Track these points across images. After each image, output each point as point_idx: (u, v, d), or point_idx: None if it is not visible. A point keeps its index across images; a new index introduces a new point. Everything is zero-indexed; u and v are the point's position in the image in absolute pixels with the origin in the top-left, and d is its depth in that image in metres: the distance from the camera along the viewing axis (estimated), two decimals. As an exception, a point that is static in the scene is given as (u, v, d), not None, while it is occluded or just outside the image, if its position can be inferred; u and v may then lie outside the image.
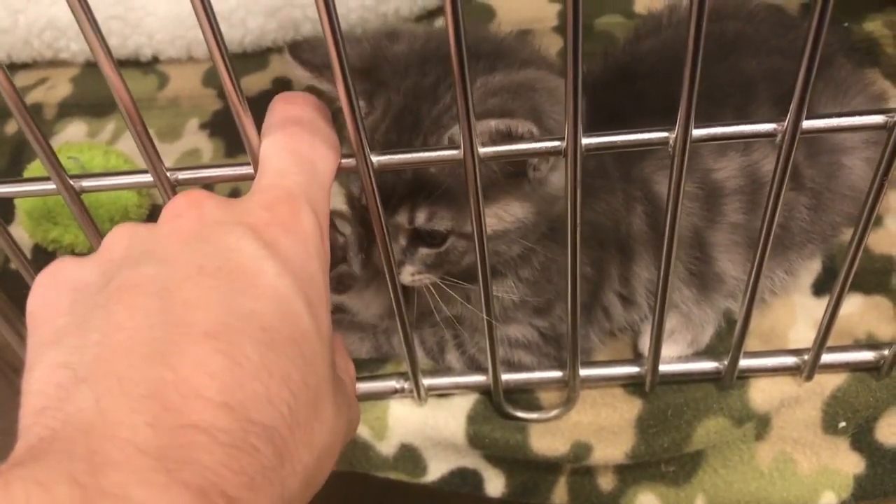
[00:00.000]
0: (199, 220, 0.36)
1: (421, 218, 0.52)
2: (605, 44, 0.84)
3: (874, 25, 0.89)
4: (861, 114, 0.46)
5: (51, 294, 0.35)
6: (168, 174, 0.48)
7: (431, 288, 0.57)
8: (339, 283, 0.65)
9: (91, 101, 0.92)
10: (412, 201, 0.52)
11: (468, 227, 0.49)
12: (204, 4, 0.39)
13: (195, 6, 0.39)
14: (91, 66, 0.96)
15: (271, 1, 0.95)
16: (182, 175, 0.48)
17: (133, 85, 0.96)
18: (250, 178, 0.47)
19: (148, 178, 0.48)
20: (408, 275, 0.55)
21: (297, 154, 0.40)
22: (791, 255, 0.64)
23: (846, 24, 0.89)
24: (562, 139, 0.45)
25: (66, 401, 0.29)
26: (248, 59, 0.95)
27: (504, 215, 0.53)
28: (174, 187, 0.48)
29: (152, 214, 0.79)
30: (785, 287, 0.66)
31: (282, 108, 0.42)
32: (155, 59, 0.97)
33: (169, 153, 0.84)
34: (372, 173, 0.46)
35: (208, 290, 0.32)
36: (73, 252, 0.76)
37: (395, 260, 0.51)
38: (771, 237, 0.51)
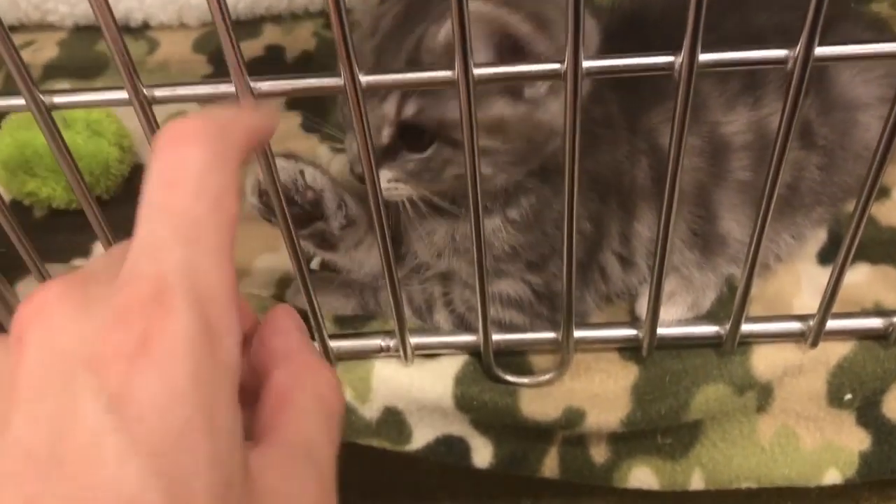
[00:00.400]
0: (41, 354, 0.28)
1: (410, 109, 0.49)
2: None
3: (881, 7, 0.88)
4: (876, 42, 0.44)
5: None
6: (145, 91, 0.45)
7: (410, 210, 0.54)
8: (323, 241, 0.62)
9: (77, 65, 0.90)
10: (403, 91, 0.49)
11: (456, 133, 0.46)
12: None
13: None
14: (79, 31, 0.94)
15: (266, -32, 0.93)
16: (158, 92, 0.46)
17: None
18: (231, 95, 0.45)
19: (123, 94, 0.46)
20: (385, 180, 0.52)
21: (176, 214, 0.29)
22: (798, 218, 0.61)
23: (853, 5, 0.88)
24: (561, 61, 0.43)
25: None
26: (241, 27, 0.94)
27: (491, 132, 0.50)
28: (150, 104, 0.46)
29: (133, 173, 0.77)
30: (791, 253, 0.64)
31: (166, 135, 0.30)
32: (145, 25, 0.95)
33: (157, 114, 0.82)
34: (361, 94, 0.44)
35: (32, 489, 0.25)
36: (50, 206, 0.73)
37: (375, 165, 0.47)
38: (777, 188, 0.49)
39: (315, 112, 0.71)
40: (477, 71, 0.43)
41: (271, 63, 0.89)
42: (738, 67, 0.44)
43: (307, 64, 0.90)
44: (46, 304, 0.28)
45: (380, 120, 0.50)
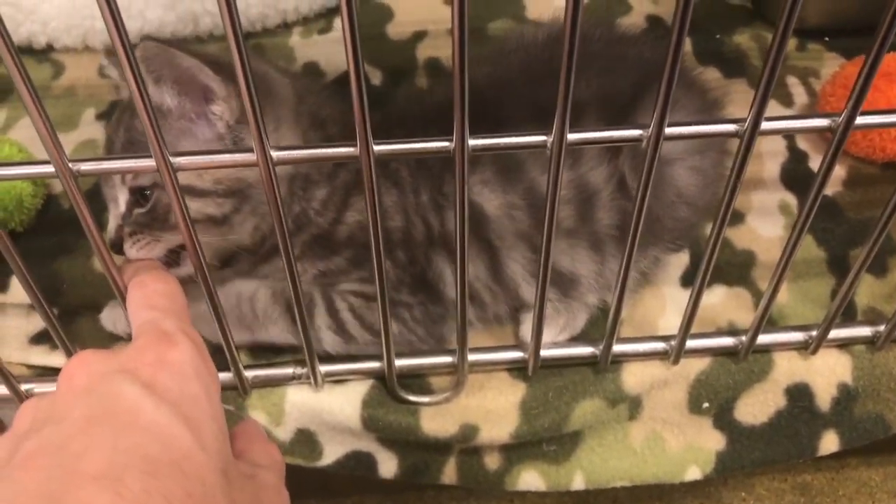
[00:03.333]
0: (87, 376, 0.41)
1: (129, 175, 0.58)
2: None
3: (743, 38, 0.97)
4: (717, 122, 0.52)
5: None
6: (70, 165, 0.49)
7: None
8: None
9: (-18, 89, 0.91)
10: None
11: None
12: None
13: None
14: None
15: (170, -7, 0.95)
16: (84, 166, 0.49)
17: (27, 73, 0.96)
18: (152, 169, 0.49)
19: (50, 168, 0.49)
20: (130, 246, 0.60)
21: (160, 309, 0.48)
22: (637, 256, 0.69)
23: (718, 36, 0.96)
24: (450, 140, 0.49)
25: None
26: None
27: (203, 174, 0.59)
28: (76, 178, 0.49)
29: (47, 204, 0.79)
30: (638, 281, 0.72)
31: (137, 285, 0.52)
32: (49, 48, 0.96)
33: (65, 143, 0.82)
34: (273, 169, 0.49)
35: (97, 437, 0.37)
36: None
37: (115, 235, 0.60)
38: (637, 236, 0.56)
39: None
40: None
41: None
42: (601, 144, 0.51)
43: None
44: (86, 356, 0.42)
45: (116, 200, 0.61)
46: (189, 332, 0.45)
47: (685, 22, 0.44)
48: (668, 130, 0.50)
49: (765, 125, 0.50)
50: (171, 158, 0.48)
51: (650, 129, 0.49)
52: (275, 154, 0.48)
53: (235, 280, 0.68)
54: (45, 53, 0.96)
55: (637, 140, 0.50)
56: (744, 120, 0.50)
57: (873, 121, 0.52)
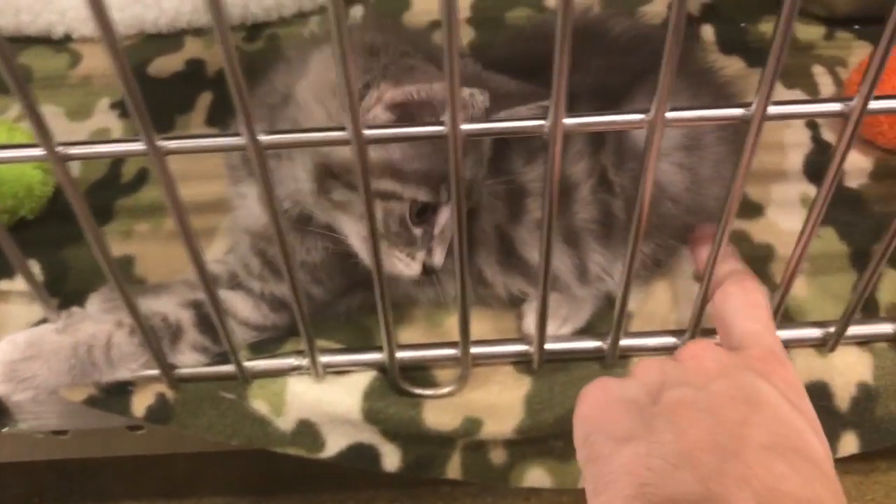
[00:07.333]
0: (716, 363, 0.46)
1: None
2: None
3: (768, 27, 0.94)
4: (723, 107, 0.50)
5: (604, 404, 0.46)
6: (59, 149, 0.49)
7: None
8: None
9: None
10: None
11: None
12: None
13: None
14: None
15: (187, -17, 0.95)
16: (73, 150, 0.49)
17: (43, 63, 0.97)
18: (141, 153, 0.48)
19: (41, 151, 0.49)
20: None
21: (763, 323, 0.53)
22: (621, 251, 0.67)
23: (743, 25, 0.94)
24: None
25: (666, 481, 0.39)
26: (163, 40, 0.95)
27: None
28: (65, 161, 0.49)
29: (57, 193, 0.79)
30: (645, 276, 0.71)
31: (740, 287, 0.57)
32: (67, 38, 0.96)
33: (79, 132, 0.84)
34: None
35: (751, 415, 0.42)
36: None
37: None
38: (642, 229, 0.54)
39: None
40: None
41: (191, 78, 0.91)
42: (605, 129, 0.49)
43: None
44: (707, 345, 0.48)
45: None
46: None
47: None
48: (671, 115, 0.48)
49: (774, 110, 0.48)
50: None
51: (651, 113, 0.48)
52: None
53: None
54: (62, 43, 0.96)
55: (638, 125, 0.49)
56: (751, 104, 0.48)
57: (889, 105, 0.50)
